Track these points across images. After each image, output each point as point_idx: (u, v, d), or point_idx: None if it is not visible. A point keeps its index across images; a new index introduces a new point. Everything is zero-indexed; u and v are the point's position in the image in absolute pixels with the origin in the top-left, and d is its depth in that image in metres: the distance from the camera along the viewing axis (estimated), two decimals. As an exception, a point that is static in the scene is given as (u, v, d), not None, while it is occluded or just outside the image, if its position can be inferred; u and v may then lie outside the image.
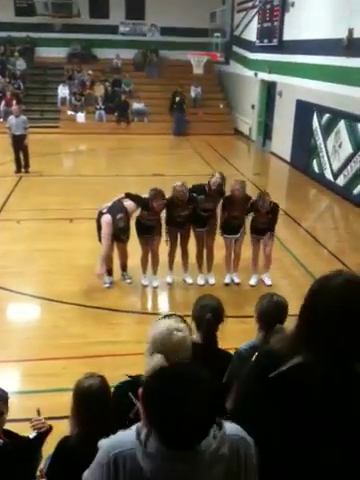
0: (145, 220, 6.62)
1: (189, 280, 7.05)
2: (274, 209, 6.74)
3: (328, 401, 1.60)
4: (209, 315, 3.01)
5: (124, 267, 7.04)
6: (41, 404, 4.35)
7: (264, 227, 6.83)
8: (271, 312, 3.08)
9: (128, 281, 6.98)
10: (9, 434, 2.84)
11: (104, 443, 1.61)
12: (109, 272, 6.89)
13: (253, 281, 7.05)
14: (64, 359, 5.17)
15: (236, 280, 7.09)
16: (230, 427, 1.59)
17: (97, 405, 2.52)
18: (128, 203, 6.60)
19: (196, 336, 3.02)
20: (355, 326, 1.61)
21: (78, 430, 2.60)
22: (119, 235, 6.62)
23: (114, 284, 6.91)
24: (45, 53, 20.94)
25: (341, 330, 1.60)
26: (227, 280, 7.07)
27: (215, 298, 3.20)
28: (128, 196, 6.63)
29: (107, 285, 6.83)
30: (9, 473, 2.60)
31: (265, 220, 6.76)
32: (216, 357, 3.01)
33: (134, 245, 6.84)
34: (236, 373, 2.87)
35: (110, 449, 1.56)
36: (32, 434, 2.80)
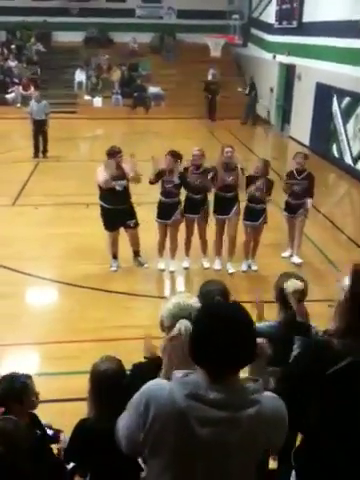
0: (165, 193, 6.54)
1: (206, 264, 7.04)
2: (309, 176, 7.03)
3: None
4: (218, 298, 2.98)
5: (137, 253, 7.00)
6: (59, 386, 4.44)
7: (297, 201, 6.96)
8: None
9: (146, 266, 6.97)
10: (38, 423, 2.87)
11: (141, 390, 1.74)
12: (114, 256, 6.88)
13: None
14: (81, 342, 5.23)
15: (254, 267, 7.06)
16: (268, 397, 1.73)
17: (113, 388, 2.53)
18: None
19: None
20: None
21: (95, 412, 2.62)
22: (124, 219, 6.58)
23: (130, 268, 6.92)
24: (62, 37, 20.84)
25: None
26: (244, 267, 7.04)
27: (220, 282, 3.17)
28: (151, 183, 6.58)
29: (114, 269, 6.84)
30: (44, 462, 2.62)
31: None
32: None
33: (145, 230, 6.84)
34: None
35: (144, 394, 1.71)
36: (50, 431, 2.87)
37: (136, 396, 1.73)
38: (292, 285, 3.02)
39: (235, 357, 1.62)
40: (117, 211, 6.51)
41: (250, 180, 6.63)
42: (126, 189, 6.57)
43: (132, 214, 6.70)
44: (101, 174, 6.41)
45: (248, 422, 1.61)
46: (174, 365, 1.96)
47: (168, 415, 1.62)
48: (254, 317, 3.22)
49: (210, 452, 1.63)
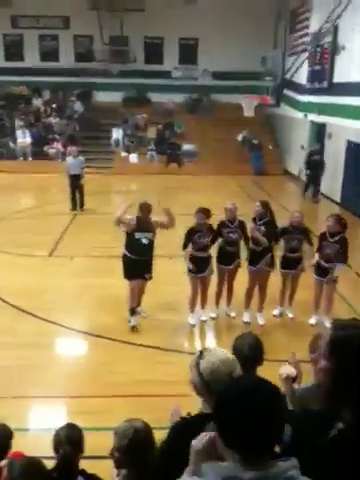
0: (198, 248, 6.69)
1: (233, 314, 7.13)
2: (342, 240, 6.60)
3: None
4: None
5: (138, 303, 7.02)
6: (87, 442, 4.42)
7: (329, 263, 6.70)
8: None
9: (143, 315, 7.01)
10: (86, 474, 2.93)
11: None
12: (133, 310, 6.84)
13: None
14: (110, 397, 5.22)
15: (290, 315, 7.15)
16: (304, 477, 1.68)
17: (142, 450, 2.54)
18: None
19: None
20: None
21: (123, 473, 2.62)
22: (143, 271, 6.68)
23: (159, 322, 6.98)
24: (102, 97, 21.93)
25: None
26: (275, 312, 7.14)
27: (253, 336, 3.15)
28: (185, 246, 6.79)
29: (132, 324, 6.77)
30: None
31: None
32: None
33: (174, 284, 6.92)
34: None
35: None
36: None
37: None
38: (283, 372, 2.89)
39: (268, 438, 1.59)
40: (140, 262, 6.66)
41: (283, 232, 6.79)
42: (152, 243, 6.73)
43: (150, 267, 6.82)
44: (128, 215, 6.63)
45: None
46: None
47: None
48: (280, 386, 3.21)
49: None
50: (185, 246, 6.76)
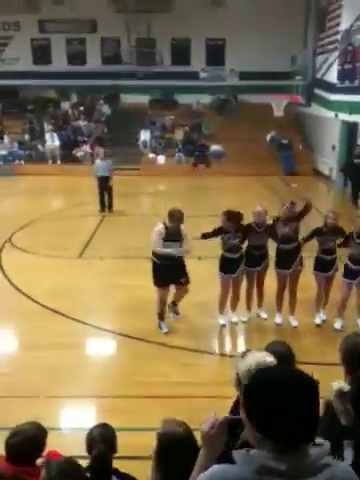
0: (228, 249, 6.55)
1: (264, 315, 7.00)
2: None
3: None
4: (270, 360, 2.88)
5: (175, 303, 6.94)
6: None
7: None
8: (356, 353, 2.92)
9: (174, 315, 6.93)
10: (120, 473, 2.90)
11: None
12: (161, 316, 6.71)
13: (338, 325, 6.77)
14: (139, 398, 5.17)
15: (323, 318, 6.94)
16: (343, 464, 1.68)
17: (184, 453, 2.46)
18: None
19: None
20: None
21: (160, 476, 2.55)
22: (175, 276, 6.50)
23: (189, 323, 6.91)
24: (129, 99, 22.01)
25: None
26: (317, 321, 6.88)
27: (284, 343, 3.06)
28: (204, 237, 6.61)
29: (165, 330, 6.64)
30: None
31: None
32: None
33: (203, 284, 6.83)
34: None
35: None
36: None
37: None
38: (336, 387, 2.53)
39: (301, 430, 1.53)
40: (169, 267, 6.40)
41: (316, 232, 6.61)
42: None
43: (183, 271, 6.61)
44: (156, 236, 6.39)
45: None
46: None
47: None
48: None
49: None
50: (205, 236, 6.56)
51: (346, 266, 6.55)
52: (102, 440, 2.86)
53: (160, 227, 6.42)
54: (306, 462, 1.56)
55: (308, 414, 1.55)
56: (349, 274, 6.53)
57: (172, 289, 6.81)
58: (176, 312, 7.02)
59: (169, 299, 6.89)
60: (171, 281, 6.60)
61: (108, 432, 2.97)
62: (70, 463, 2.50)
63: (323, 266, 6.67)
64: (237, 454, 1.60)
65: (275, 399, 1.53)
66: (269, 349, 3.01)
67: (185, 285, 6.70)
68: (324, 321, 6.87)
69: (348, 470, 1.68)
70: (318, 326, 6.81)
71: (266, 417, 1.54)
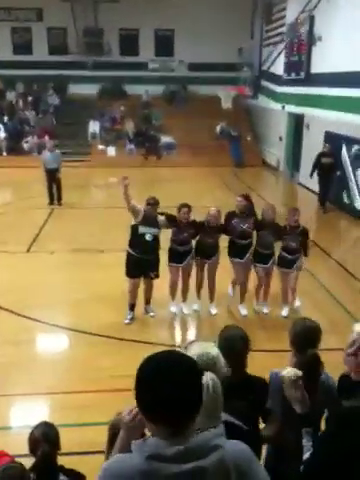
0: (176, 243, 6.64)
1: (214, 311, 7.07)
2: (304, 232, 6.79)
3: None
4: (240, 343, 2.96)
5: (148, 301, 7.01)
6: (70, 438, 4.36)
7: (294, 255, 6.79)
8: (304, 336, 3.08)
9: (151, 314, 6.97)
10: (65, 470, 2.88)
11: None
12: (132, 307, 6.81)
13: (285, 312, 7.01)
14: (95, 392, 5.15)
15: (265, 310, 7.11)
16: (231, 441, 1.69)
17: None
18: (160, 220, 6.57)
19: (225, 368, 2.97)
20: None
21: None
22: (147, 269, 6.60)
23: (142, 316, 6.92)
24: (77, 90, 21.60)
25: None
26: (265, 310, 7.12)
27: (240, 328, 3.15)
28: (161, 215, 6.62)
29: (128, 321, 6.72)
30: None
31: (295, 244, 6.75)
32: (249, 385, 2.96)
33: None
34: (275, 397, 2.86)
35: (105, 476, 1.63)
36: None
37: (99, 477, 1.65)
38: (288, 375, 2.56)
39: (184, 410, 1.57)
40: (143, 261, 6.49)
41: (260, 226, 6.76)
42: (156, 239, 6.56)
43: (155, 265, 6.67)
44: (139, 206, 6.45)
45: (213, 469, 1.58)
46: None
47: None
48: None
49: None
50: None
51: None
52: (46, 439, 2.84)
53: (143, 207, 6.46)
54: (193, 445, 1.58)
55: (189, 396, 1.57)
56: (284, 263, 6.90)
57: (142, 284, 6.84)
58: (148, 311, 6.99)
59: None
60: (141, 273, 6.65)
61: (51, 431, 2.94)
62: (13, 467, 2.51)
63: (261, 258, 6.91)
64: (134, 443, 1.63)
65: (154, 384, 1.57)
66: (226, 332, 3.07)
67: (153, 279, 6.75)
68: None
69: (240, 448, 1.70)
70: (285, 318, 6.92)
71: (150, 403, 1.58)
